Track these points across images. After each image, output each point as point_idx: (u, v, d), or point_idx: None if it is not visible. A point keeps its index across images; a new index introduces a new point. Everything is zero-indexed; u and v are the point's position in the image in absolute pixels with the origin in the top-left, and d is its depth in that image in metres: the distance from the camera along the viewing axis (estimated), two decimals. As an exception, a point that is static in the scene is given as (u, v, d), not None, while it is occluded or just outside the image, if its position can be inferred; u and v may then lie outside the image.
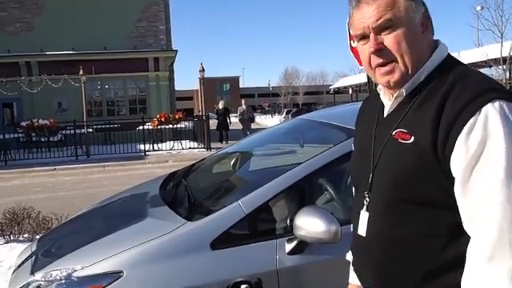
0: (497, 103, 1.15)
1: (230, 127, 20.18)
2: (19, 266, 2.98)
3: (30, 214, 5.21)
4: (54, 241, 3.09)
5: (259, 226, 2.56)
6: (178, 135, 17.90)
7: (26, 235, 5.10)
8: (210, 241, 2.46)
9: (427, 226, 1.24)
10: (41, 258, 2.81)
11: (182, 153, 15.87)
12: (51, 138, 16.81)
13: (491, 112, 1.14)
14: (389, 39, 1.28)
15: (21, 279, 2.69)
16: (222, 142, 18.26)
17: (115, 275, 2.40)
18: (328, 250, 2.40)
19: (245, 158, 4.00)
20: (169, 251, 2.45)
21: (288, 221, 2.48)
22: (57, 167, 13.78)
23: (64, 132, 17.03)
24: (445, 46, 1.35)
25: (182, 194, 3.07)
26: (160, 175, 4.02)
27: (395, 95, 1.34)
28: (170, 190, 3.31)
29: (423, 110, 1.24)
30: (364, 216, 1.39)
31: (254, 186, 2.66)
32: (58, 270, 2.54)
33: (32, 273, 2.64)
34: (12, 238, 5.05)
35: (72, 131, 16.41)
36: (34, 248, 3.09)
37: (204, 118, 17.52)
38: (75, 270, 2.48)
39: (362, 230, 1.40)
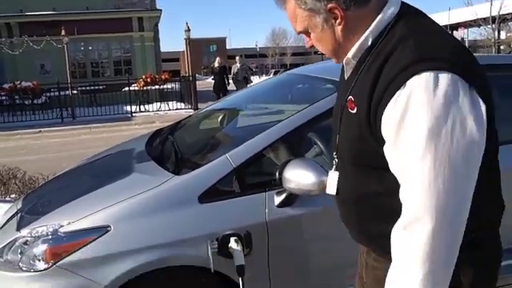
0: (423, 75, 1.14)
1: (229, 88, 17.41)
2: (5, 224, 2.94)
3: (16, 175, 5.15)
4: (39, 198, 3.05)
5: (248, 180, 2.53)
6: (164, 96, 17.69)
7: (12, 196, 5.05)
8: (198, 194, 2.43)
9: (381, 186, 1.29)
10: (27, 215, 2.78)
11: (169, 114, 15.73)
12: (35, 101, 16.52)
13: (414, 86, 1.14)
14: (313, 40, 1.38)
15: (7, 236, 2.65)
16: None
17: (103, 229, 2.37)
18: (317, 202, 2.39)
19: (232, 115, 3.95)
20: (156, 205, 2.42)
21: (277, 174, 2.45)
22: (42, 129, 13.60)
23: (48, 94, 16.75)
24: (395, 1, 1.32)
25: (169, 150, 3.03)
26: (147, 133, 3.96)
27: (344, 61, 1.38)
28: (157, 146, 3.27)
29: (369, 74, 1.26)
30: (333, 175, 1.45)
31: (242, 141, 2.62)
32: (45, 225, 2.50)
33: (18, 229, 2.61)
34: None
35: (56, 93, 16.14)
36: (19, 205, 3.05)
37: (191, 78, 17.30)
38: (62, 226, 2.45)
39: (332, 189, 1.45)
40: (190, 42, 22.88)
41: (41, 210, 2.72)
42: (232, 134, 3.56)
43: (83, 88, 18.25)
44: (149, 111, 16.43)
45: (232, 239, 2.33)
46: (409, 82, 1.14)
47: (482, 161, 1.16)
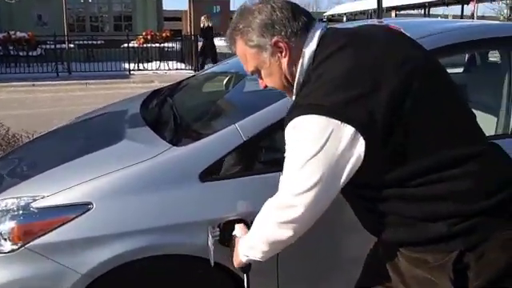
0: (292, 121, 1.36)
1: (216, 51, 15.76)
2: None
3: (-2, 130, 4.72)
4: (16, 162, 2.63)
5: (260, 156, 2.12)
6: (164, 55, 17.04)
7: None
8: (199, 171, 2.02)
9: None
10: (-3, 182, 2.37)
11: (169, 73, 15.14)
12: (30, 53, 15.88)
13: (291, 125, 1.37)
14: (264, 77, 1.52)
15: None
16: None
17: (83, 207, 1.97)
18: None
19: (238, 78, 3.50)
20: (149, 181, 2.01)
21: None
22: (35, 83, 13.05)
23: (44, 47, 16.11)
24: (311, 37, 1.46)
25: (167, 115, 2.59)
26: (143, 93, 3.52)
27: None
28: (153, 110, 2.83)
29: None
30: None
31: (253, 109, 2.19)
32: (16, 197, 2.10)
33: (-15, 200, 2.20)
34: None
35: (52, 46, 15.51)
36: (-11, 171, 2.63)
37: (193, 38, 16.65)
38: (35, 200, 2.04)
39: None
40: (194, 1, 22.07)
41: (14, 178, 2.31)
42: (240, 100, 3.12)
43: (81, 42, 17.59)
44: (148, 70, 15.86)
45: (237, 226, 1.90)
46: (289, 124, 1.38)
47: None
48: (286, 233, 1.40)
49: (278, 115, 2.08)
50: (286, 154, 1.38)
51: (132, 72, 15.36)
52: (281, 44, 1.43)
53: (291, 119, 1.35)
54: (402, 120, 1.33)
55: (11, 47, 15.70)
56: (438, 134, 1.37)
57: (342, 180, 1.34)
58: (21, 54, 15.79)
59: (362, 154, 1.31)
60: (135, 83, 13.50)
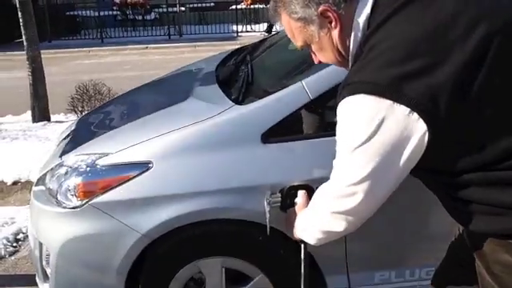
0: (342, 102, 1.16)
1: None
2: (59, 144, 2.62)
3: (100, 90, 4.93)
4: (92, 121, 2.68)
5: (328, 116, 1.92)
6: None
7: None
8: (261, 131, 1.88)
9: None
10: (73, 140, 2.42)
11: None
12: (146, 17, 16.65)
13: (340, 107, 1.17)
14: (315, 52, 1.35)
15: (51, 161, 2.33)
16: None
17: (143, 166, 1.93)
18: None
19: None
20: (208, 141, 1.91)
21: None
22: (148, 45, 13.66)
23: (158, 11, 16.75)
24: (364, 1, 1.21)
25: (239, 73, 2.46)
26: (226, 51, 3.42)
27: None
28: (228, 68, 2.70)
29: None
30: None
31: (323, 65, 1.98)
32: (86, 154, 2.12)
33: (60, 156, 2.26)
34: (83, 113, 4.85)
35: (165, 10, 16.07)
36: (73, 127, 2.72)
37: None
38: (100, 157, 2.04)
39: None
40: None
41: (86, 136, 2.34)
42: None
43: (192, 5, 18.02)
44: (255, 31, 15.86)
45: (300, 193, 1.72)
46: (341, 102, 1.16)
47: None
48: (340, 224, 1.26)
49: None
50: (337, 137, 1.20)
51: (240, 34, 15.46)
52: (329, 13, 1.22)
53: (341, 99, 1.16)
54: (472, 97, 1.07)
55: (129, 12, 16.50)
56: None
57: (401, 168, 1.13)
58: (137, 17, 16.56)
59: (425, 138, 1.09)
60: (242, 45, 13.58)
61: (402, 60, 1.09)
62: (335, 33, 1.25)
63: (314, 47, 1.33)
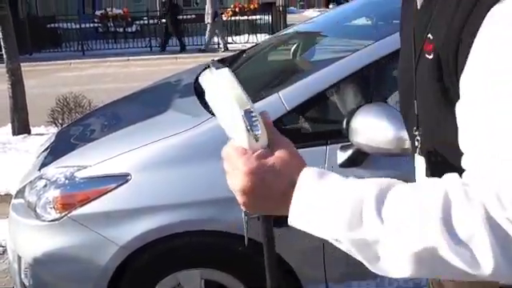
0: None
1: None
2: (39, 156, 2.61)
3: (81, 103, 4.93)
4: (71, 133, 2.68)
5: (304, 127, 1.96)
6: (254, 28, 17.05)
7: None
8: (239, 143, 1.91)
9: None
10: (52, 153, 2.42)
11: (257, 47, 15.14)
12: (127, 29, 16.64)
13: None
14: None
15: (30, 174, 2.33)
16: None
17: (122, 178, 1.94)
18: (394, 165, 1.75)
19: (310, 44, 3.28)
20: (186, 153, 1.93)
21: (344, 122, 1.83)
22: (130, 58, 13.65)
23: (139, 23, 16.77)
24: None
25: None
26: (205, 63, 3.45)
27: None
28: (207, 79, 2.73)
29: None
30: (419, 161, 0.87)
31: (302, 77, 2.03)
32: (65, 167, 2.12)
33: (40, 168, 2.26)
34: (63, 125, 4.83)
35: (146, 22, 16.09)
36: (52, 140, 2.71)
37: (281, 9, 16.45)
38: (79, 170, 2.05)
39: (421, 176, 0.87)
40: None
41: (67, 148, 2.34)
42: (302, 68, 2.93)
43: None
44: (237, 43, 15.95)
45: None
46: None
47: None
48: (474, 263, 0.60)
49: (327, 82, 1.91)
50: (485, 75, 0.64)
51: (221, 46, 15.51)
52: None
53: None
54: None
55: (110, 24, 16.49)
56: None
57: None
58: (118, 30, 16.55)
59: None
60: (222, 57, 13.64)
61: None
62: None
63: None
